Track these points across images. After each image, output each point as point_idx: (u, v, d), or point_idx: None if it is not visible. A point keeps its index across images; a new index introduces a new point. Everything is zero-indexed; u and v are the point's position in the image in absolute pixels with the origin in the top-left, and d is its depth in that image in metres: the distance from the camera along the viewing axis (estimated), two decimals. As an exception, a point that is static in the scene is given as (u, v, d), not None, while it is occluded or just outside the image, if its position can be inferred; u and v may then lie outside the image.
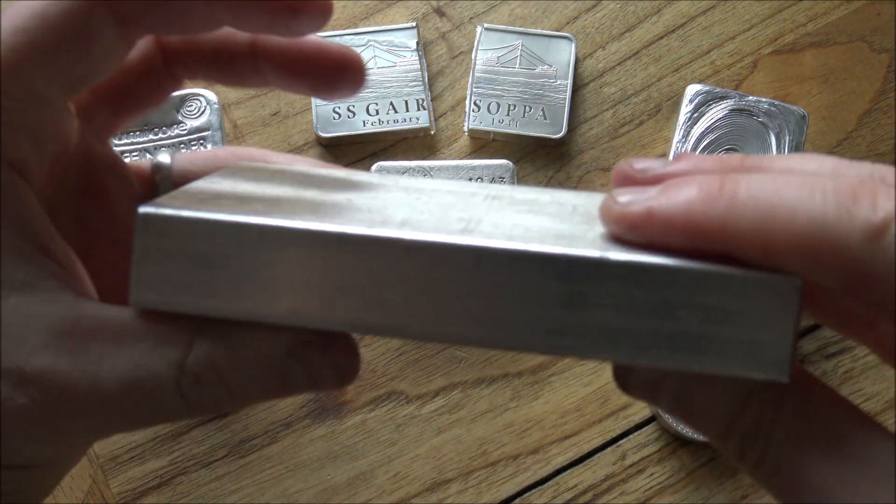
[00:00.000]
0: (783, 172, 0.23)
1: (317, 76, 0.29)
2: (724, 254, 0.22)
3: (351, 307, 0.24)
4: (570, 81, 0.53)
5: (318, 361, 0.24)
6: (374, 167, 0.51)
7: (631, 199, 0.23)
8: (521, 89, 0.53)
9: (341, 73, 0.29)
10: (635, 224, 0.22)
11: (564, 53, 0.54)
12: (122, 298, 0.24)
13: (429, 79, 0.54)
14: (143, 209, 0.23)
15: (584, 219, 0.25)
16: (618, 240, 0.24)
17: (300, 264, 0.24)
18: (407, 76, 0.54)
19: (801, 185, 0.21)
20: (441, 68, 0.55)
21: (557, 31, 0.55)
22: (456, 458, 0.48)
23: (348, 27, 0.55)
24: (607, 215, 0.23)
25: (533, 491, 0.47)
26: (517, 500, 0.47)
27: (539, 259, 0.22)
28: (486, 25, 0.54)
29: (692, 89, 0.52)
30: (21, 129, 0.25)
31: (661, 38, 0.55)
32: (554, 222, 0.25)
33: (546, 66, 0.54)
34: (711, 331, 0.22)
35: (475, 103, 0.53)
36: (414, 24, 0.55)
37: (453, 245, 0.23)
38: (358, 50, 0.54)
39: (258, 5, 0.25)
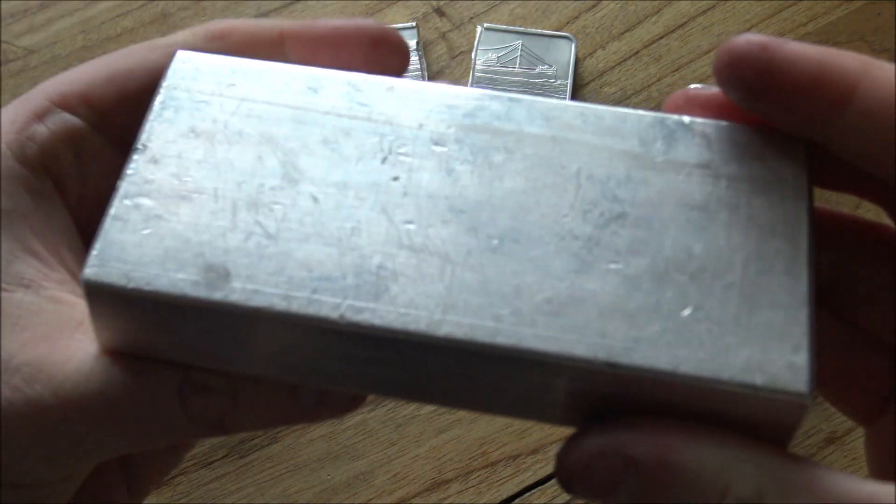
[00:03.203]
0: None
1: (352, 53, 0.27)
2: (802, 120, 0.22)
3: (321, 377, 0.23)
4: (570, 81, 0.53)
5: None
6: None
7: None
8: (521, 89, 0.53)
9: (377, 50, 0.28)
10: (766, 46, 0.22)
11: (564, 53, 0.54)
12: None
13: (429, 79, 0.54)
14: (87, 271, 0.22)
15: (587, 207, 0.22)
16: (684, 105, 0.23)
17: (273, 335, 0.22)
18: (407, 76, 0.54)
19: None
20: (441, 68, 0.55)
21: (557, 31, 0.55)
22: (456, 458, 0.48)
23: (348, 27, 0.55)
24: (724, 54, 0.22)
25: (533, 491, 0.47)
26: (517, 500, 0.47)
27: (529, 362, 0.21)
28: (486, 25, 0.54)
29: (692, 89, 0.52)
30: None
31: (661, 38, 0.55)
32: (549, 246, 0.22)
33: (546, 66, 0.54)
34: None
35: (475, 103, 0.53)
36: (414, 24, 0.55)
37: (432, 340, 0.21)
38: (358, 50, 0.54)
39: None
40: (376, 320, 0.21)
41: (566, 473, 0.22)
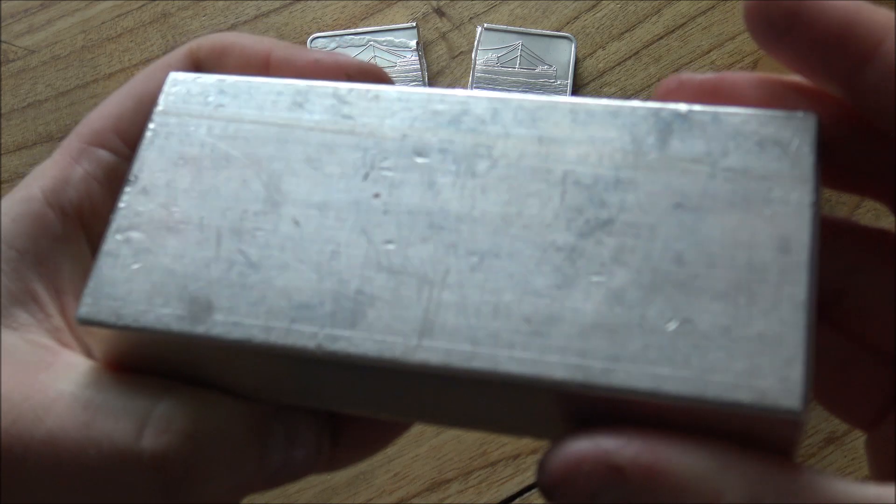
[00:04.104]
0: None
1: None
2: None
3: (313, 400, 0.23)
4: (570, 81, 0.53)
5: (306, 426, 0.24)
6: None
7: None
8: (521, 89, 0.53)
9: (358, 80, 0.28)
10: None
11: (564, 53, 0.54)
12: None
13: (429, 79, 0.54)
14: (81, 310, 0.22)
15: (572, 215, 0.22)
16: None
17: (256, 363, 0.22)
18: (407, 76, 0.54)
19: None
20: (441, 68, 0.55)
21: (557, 31, 0.55)
22: (456, 458, 0.48)
23: (348, 27, 0.55)
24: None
25: (533, 491, 0.47)
26: (517, 500, 0.47)
27: (504, 383, 0.21)
28: (486, 25, 0.54)
29: (692, 89, 0.52)
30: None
31: (661, 38, 0.55)
32: (530, 260, 0.21)
33: (546, 66, 0.54)
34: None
35: (475, 103, 0.53)
36: (414, 24, 0.55)
37: (408, 367, 0.21)
38: (358, 50, 0.54)
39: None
40: (352, 349, 0.21)
41: (548, 479, 0.21)
